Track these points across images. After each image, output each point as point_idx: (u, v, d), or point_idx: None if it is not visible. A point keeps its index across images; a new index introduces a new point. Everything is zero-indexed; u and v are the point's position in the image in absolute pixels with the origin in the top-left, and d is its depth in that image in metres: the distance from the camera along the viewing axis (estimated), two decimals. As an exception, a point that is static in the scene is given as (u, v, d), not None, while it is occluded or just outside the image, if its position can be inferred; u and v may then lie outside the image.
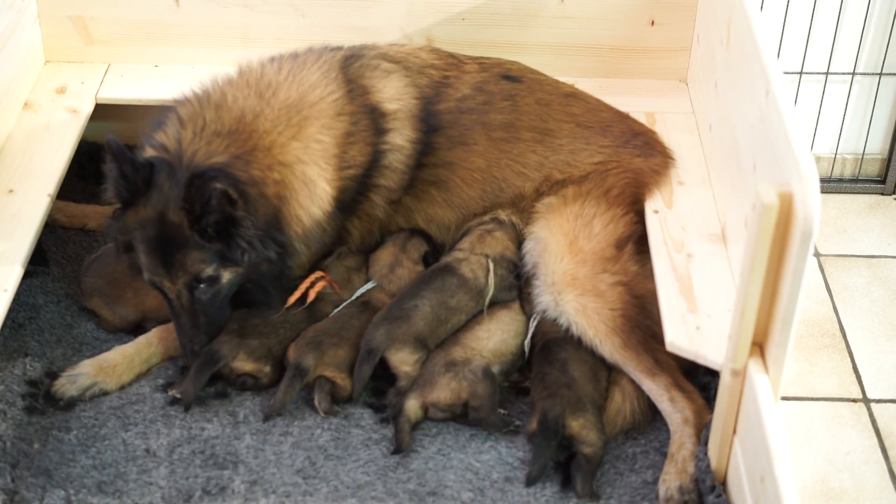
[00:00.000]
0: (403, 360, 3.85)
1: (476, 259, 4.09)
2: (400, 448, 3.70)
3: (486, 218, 4.26)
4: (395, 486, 3.63)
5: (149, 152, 3.82)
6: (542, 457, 3.62)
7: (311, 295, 4.04)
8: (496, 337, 3.94)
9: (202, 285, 3.78)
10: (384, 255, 4.22)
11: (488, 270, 4.09)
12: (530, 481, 3.62)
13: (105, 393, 3.92)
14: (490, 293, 4.07)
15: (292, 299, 4.01)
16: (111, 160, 3.71)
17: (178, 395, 3.85)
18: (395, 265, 4.18)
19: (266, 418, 3.82)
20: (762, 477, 3.10)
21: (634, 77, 4.89)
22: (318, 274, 4.10)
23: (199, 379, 3.83)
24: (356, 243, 4.25)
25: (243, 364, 3.87)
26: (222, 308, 3.89)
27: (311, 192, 3.92)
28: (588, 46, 4.84)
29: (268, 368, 3.91)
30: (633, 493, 3.63)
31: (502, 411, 3.82)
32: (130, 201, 3.74)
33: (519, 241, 4.21)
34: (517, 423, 3.80)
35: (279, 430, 3.80)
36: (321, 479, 3.65)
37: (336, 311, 4.05)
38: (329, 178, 3.97)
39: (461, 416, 3.80)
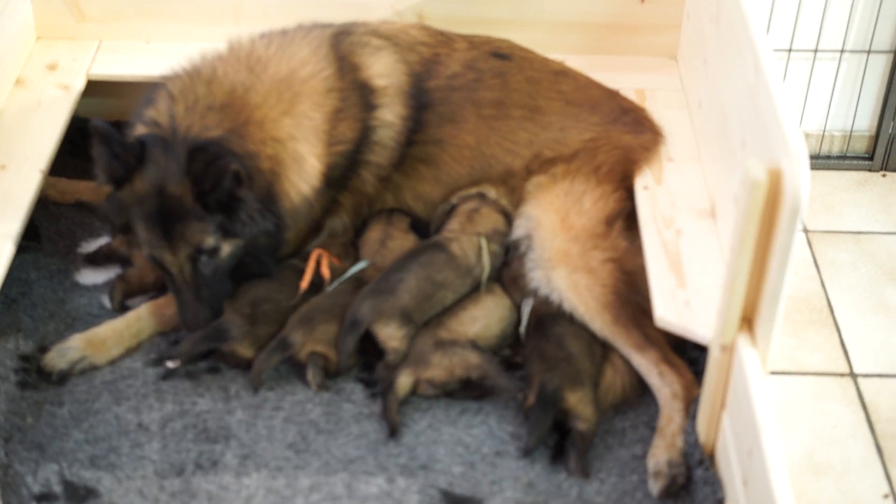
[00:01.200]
0: (390, 336, 3.85)
1: (467, 239, 4.10)
2: (393, 427, 3.72)
3: (473, 191, 4.27)
4: (386, 460, 3.66)
5: (140, 129, 3.82)
6: (539, 428, 3.64)
7: (326, 272, 4.06)
8: (480, 322, 3.94)
9: (203, 257, 3.79)
10: (373, 234, 4.23)
11: (480, 248, 4.10)
12: (526, 452, 3.64)
13: (94, 367, 3.94)
14: (487, 271, 4.08)
15: (305, 283, 4.02)
16: (99, 143, 3.70)
17: (172, 366, 3.86)
18: (385, 239, 4.20)
19: (255, 390, 3.84)
20: (750, 450, 3.13)
21: (624, 54, 4.90)
22: (318, 251, 4.12)
23: (198, 346, 3.85)
24: (348, 216, 4.26)
25: (246, 351, 3.89)
26: (222, 282, 3.90)
27: (301, 168, 3.93)
28: (578, 23, 4.84)
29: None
30: (623, 467, 3.65)
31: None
32: (124, 180, 3.74)
33: (505, 214, 4.22)
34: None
35: (271, 405, 3.82)
36: (312, 454, 3.67)
37: (329, 287, 4.06)
38: (318, 153, 3.98)
39: (452, 392, 3.82)
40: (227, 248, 3.82)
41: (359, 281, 4.09)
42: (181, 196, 3.69)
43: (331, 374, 3.90)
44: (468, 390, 3.83)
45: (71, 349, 3.92)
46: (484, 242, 4.10)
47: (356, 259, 4.21)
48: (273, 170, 3.85)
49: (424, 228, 4.30)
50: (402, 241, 4.21)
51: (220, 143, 3.72)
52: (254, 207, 3.76)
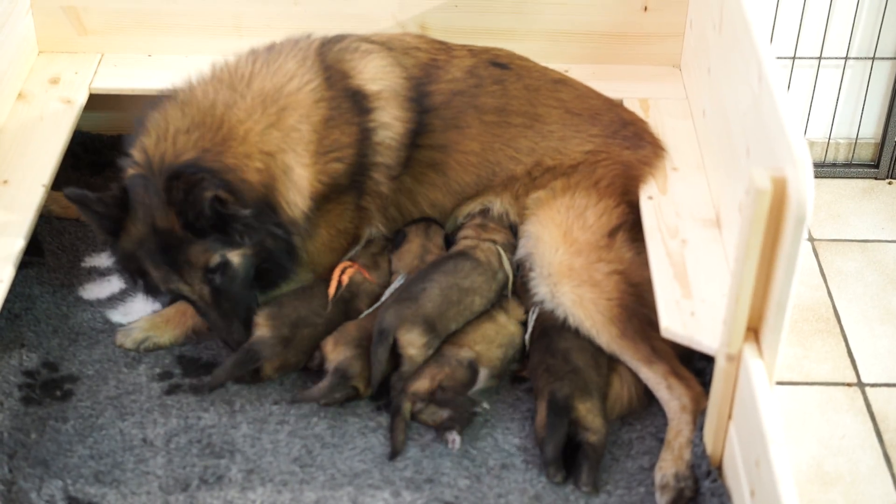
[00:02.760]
0: (411, 342, 3.82)
1: (487, 245, 4.11)
2: (395, 450, 3.70)
3: (476, 209, 4.29)
4: (392, 473, 3.64)
5: (128, 172, 3.81)
6: (555, 436, 3.62)
7: (344, 280, 4.06)
8: (482, 345, 3.93)
9: (216, 276, 3.77)
10: (412, 248, 4.22)
11: (500, 256, 4.10)
12: (546, 463, 3.62)
13: (159, 346, 4.04)
14: (511, 278, 4.10)
15: (332, 292, 4.02)
16: (80, 208, 3.74)
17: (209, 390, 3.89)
18: (423, 254, 4.19)
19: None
20: (757, 461, 3.11)
21: (628, 63, 4.89)
22: (346, 263, 4.12)
23: (233, 371, 3.83)
24: (380, 222, 4.27)
25: (272, 372, 3.89)
26: (245, 291, 3.88)
27: (291, 180, 3.91)
28: (581, 33, 4.84)
29: (276, 377, 3.93)
30: (630, 479, 3.64)
31: (479, 405, 3.82)
32: (118, 231, 3.75)
33: (511, 227, 4.23)
34: (484, 405, 3.80)
35: (276, 419, 3.81)
36: (318, 468, 3.66)
37: (372, 309, 4.04)
38: (307, 164, 3.96)
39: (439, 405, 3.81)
40: (236, 259, 3.80)
41: None
42: (171, 227, 3.69)
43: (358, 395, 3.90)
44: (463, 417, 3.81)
45: (135, 329, 4.05)
46: (501, 250, 4.11)
47: (385, 271, 4.21)
48: (265, 182, 3.83)
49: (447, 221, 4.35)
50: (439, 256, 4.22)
51: (195, 164, 3.70)
52: (246, 218, 3.73)
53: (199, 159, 3.73)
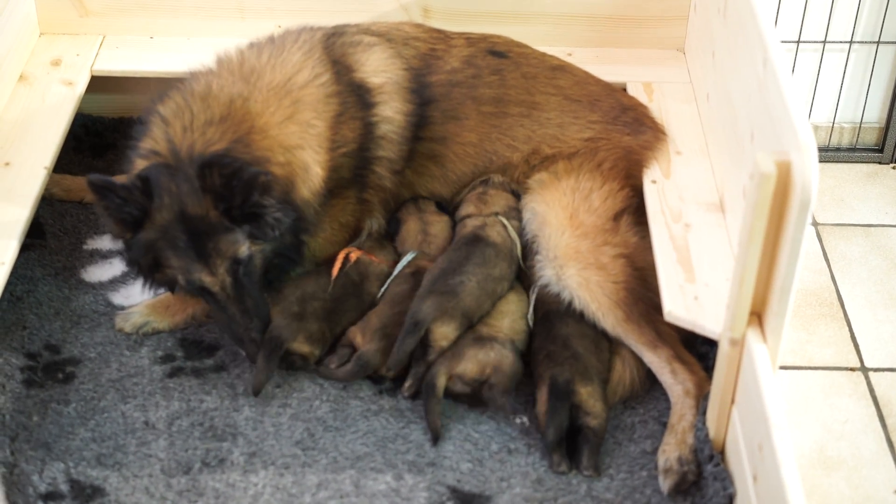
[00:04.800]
0: (445, 335, 3.82)
1: (492, 220, 4.11)
2: (436, 433, 3.69)
3: (476, 183, 4.29)
4: (394, 457, 3.64)
5: (138, 164, 3.75)
6: (556, 420, 3.61)
7: (353, 257, 4.07)
8: (509, 317, 3.94)
9: (241, 268, 3.73)
10: (411, 228, 4.23)
11: (506, 227, 4.11)
12: (548, 448, 3.62)
13: (158, 331, 4.04)
14: (519, 247, 4.11)
15: (335, 272, 4.02)
16: (101, 196, 3.61)
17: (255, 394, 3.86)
18: (425, 228, 4.20)
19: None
20: (760, 445, 3.11)
21: (632, 47, 4.88)
22: (348, 249, 4.11)
23: (269, 367, 3.80)
24: (381, 214, 4.27)
25: (301, 346, 3.86)
26: (260, 289, 3.85)
27: (308, 176, 3.89)
28: (585, 16, 4.83)
29: (318, 352, 3.91)
30: (632, 463, 3.64)
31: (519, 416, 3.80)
32: (140, 220, 3.67)
33: (513, 192, 4.25)
34: (524, 419, 3.76)
35: (278, 402, 3.81)
36: (320, 451, 3.66)
37: (385, 288, 4.05)
38: (322, 161, 3.95)
39: (476, 398, 3.80)
40: (257, 255, 3.78)
41: (414, 276, 4.08)
42: (204, 214, 3.63)
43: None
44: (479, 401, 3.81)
45: (134, 314, 4.04)
46: (504, 220, 4.11)
47: (391, 251, 4.22)
48: (288, 177, 3.81)
49: (449, 206, 4.33)
50: (441, 223, 4.23)
51: (226, 155, 3.66)
52: (277, 211, 3.72)
53: (231, 150, 3.70)
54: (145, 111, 3.93)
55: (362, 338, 3.89)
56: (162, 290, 4.06)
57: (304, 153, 3.89)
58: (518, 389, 3.82)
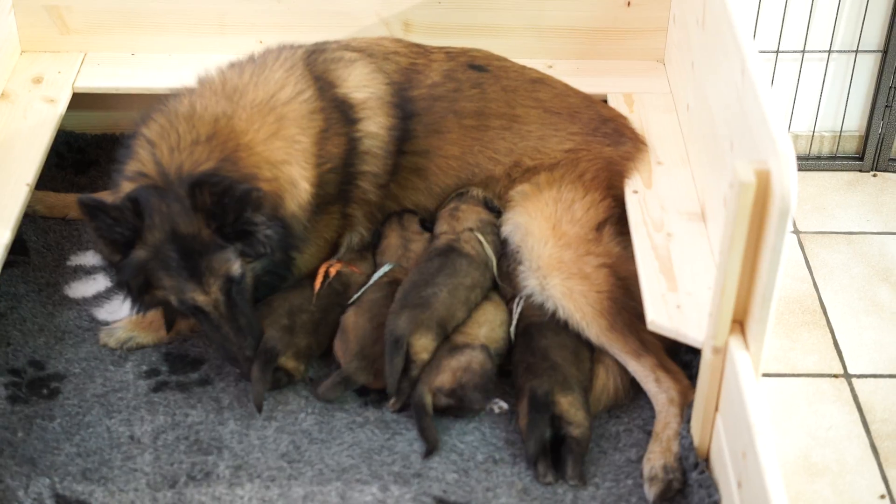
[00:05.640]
0: (425, 347, 3.82)
1: (466, 235, 4.12)
2: (433, 446, 3.70)
3: (452, 197, 4.31)
4: (380, 468, 3.64)
5: (125, 186, 3.73)
6: (536, 432, 3.62)
7: (332, 272, 4.06)
8: (486, 326, 3.94)
9: (234, 286, 3.72)
10: (392, 241, 4.23)
11: (480, 242, 4.11)
12: (529, 461, 3.63)
13: (142, 346, 4.05)
14: (494, 261, 4.12)
15: (317, 285, 4.02)
16: (92, 217, 3.59)
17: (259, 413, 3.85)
18: (406, 243, 4.21)
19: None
20: (744, 453, 3.12)
21: (612, 58, 4.90)
22: (328, 264, 4.11)
23: (265, 379, 3.79)
24: (364, 228, 4.27)
25: (288, 361, 3.86)
26: (252, 305, 3.85)
27: (297, 191, 3.89)
28: (565, 28, 4.85)
29: (303, 368, 3.92)
30: (617, 472, 3.64)
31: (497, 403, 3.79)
32: (131, 241, 3.65)
33: (487, 205, 4.26)
34: (503, 405, 3.76)
35: (263, 415, 3.81)
36: (306, 463, 3.66)
37: (358, 295, 4.06)
38: (309, 177, 3.95)
39: (459, 409, 3.81)
40: (248, 273, 3.77)
41: (390, 285, 4.09)
42: (196, 233, 3.62)
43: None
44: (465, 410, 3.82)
45: (119, 329, 4.05)
46: (479, 235, 4.12)
47: (371, 262, 4.22)
48: (275, 192, 3.81)
49: (431, 224, 4.33)
50: (422, 241, 4.24)
51: (216, 173, 3.66)
52: (267, 228, 3.72)
53: (220, 168, 3.70)
54: (128, 135, 3.93)
55: (343, 356, 3.89)
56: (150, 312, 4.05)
57: (290, 168, 3.90)
58: (502, 400, 3.83)
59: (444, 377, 3.75)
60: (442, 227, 4.21)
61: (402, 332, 3.80)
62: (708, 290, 3.49)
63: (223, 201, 3.58)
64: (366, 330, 3.92)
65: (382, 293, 4.05)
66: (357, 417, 3.81)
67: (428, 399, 3.74)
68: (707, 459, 3.50)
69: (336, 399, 3.86)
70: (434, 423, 3.75)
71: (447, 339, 3.89)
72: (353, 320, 3.97)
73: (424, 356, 3.82)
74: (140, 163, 3.75)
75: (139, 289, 3.76)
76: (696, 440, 3.51)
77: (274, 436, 3.74)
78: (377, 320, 3.93)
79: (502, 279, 4.12)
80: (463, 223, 4.17)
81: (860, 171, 5.24)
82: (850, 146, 5.27)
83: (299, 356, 3.89)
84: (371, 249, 4.27)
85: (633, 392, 3.86)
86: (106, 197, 3.70)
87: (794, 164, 2.92)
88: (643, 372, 3.80)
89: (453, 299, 3.93)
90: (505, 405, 3.73)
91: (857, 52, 5.04)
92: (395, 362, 3.78)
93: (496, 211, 4.26)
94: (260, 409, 3.79)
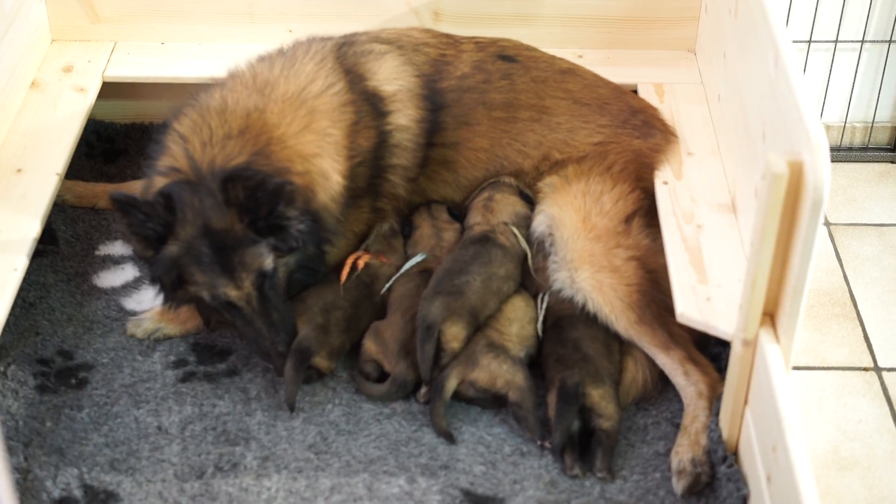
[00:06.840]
0: (455, 335, 3.81)
1: (501, 227, 4.11)
2: (443, 434, 3.70)
3: (485, 185, 4.29)
4: (407, 460, 3.64)
5: (158, 181, 3.72)
6: (564, 423, 3.60)
7: (360, 264, 4.04)
8: (517, 323, 3.93)
9: (266, 281, 3.71)
10: (424, 232, 4.22)
11: (515, 235, 4.10)
12: (554, 451, 3.62)
13: (169, 337, 4.05)
14: (530, 254, 4.10)
15: (344, 277, 4.00)
16: (124, 213, 3.59)
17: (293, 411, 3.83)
18: (438, 233, 4.21)
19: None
20: (774, 446, 3.10)
21: (642, 48, 4.88)
22: (357, 254, 4.10)
23: (298, 378, 3.77)
24: (393, 220, 4.26)
25: (321, 361, 3.86)
26: (285, 302, 3.83)
27: (329, 184, 3.89)
28: (595, 17, 4.82)
29: (334, 366, 3.91)
30: (645, 465, 3.63)
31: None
32: (164, 237, 3.65)
33: (522, 195, 4.23)
34: (548, 445, 3.70)
35: (290, 406, 3.82)
36: (333, 455, 3.66)
37: (389, 285, 4.05)
38: (341, 170, 3.94)
39: (492, 402, 3.79)
40: (281, 268, 3.76)
41: (422, 275, 4.08)
42: (229, 227, 3.61)
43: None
44: (492, 402, 3.80)
45: (146, 320, 4.05)
46: (514, 229, 4.10)
47: (401, 252, 4.22)
48: (307, 185, 3.81)
49: (460, 214, 4.31)
50: (453, 230, 4.23)
51: (249, 168, 3.65)
52: (299, 222, 3.71)
53: (252, 162, 3.69)
54: (158, 128, 3.93)
55: (386, 359, 3.86)
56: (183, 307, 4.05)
57: (322, 161, 3.89)
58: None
59: (482, 375, 3.73)
60: (476, 217, 4.18)
61: (434, 318, 3.79)
62: (738, 283, 3.47)
63: (256, 195, 3.57)
64: (399, 325, 3.91)
65: (413, 283, 4.04)
66: (384, 409, 3.81)
67: (452, 384, 3.73)
68: (736, 453, 3.48)
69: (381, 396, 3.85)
70: (461, 413, 3.74)
71: (479, 331, 3.87)
72: (389, 320, 3.96)
73: (455, 345, 3.80)
74: (172, 158, 3.74)
75: (172, 284, 3.75)
76: (725, 433, 3.49)
77: (301, 427, 3.74)
78: (409, 312, 3.92)
79: (531, 274, 4.10)
80: (498, 216, 4.14)
81: (892, 162, 5.21)
82: (882, 137, 5.23)
83: (332, 355, 3.88)
84: (402, 240, 4.26)
85: (662, 385, 3.85)
86: (135, 187, 3.70)
87: (827, 155, 2.89)
88: (672, 365, 3.78)
89: (486, 289, 3.92)
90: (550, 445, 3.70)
91: (890, 42, 5.00)
92: (427, 349, 3.76)
93: (530, 200, 4.23)
94: (292, 409, 3.78)
